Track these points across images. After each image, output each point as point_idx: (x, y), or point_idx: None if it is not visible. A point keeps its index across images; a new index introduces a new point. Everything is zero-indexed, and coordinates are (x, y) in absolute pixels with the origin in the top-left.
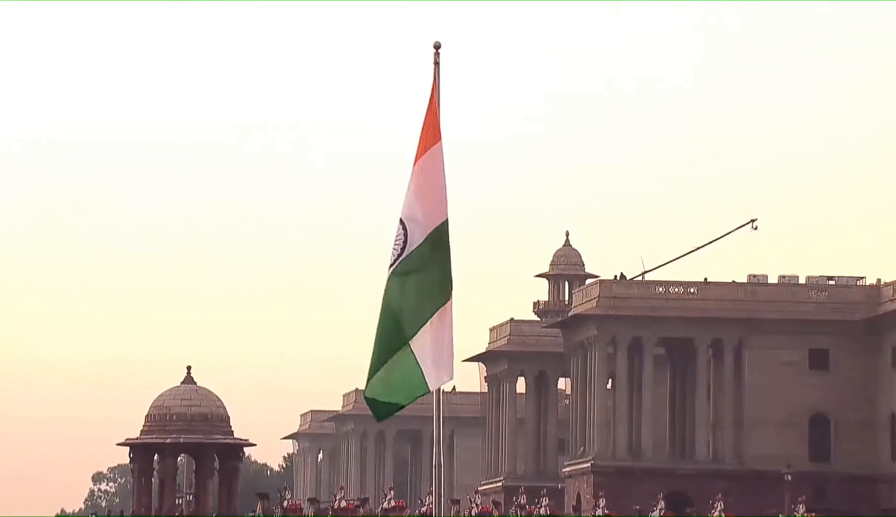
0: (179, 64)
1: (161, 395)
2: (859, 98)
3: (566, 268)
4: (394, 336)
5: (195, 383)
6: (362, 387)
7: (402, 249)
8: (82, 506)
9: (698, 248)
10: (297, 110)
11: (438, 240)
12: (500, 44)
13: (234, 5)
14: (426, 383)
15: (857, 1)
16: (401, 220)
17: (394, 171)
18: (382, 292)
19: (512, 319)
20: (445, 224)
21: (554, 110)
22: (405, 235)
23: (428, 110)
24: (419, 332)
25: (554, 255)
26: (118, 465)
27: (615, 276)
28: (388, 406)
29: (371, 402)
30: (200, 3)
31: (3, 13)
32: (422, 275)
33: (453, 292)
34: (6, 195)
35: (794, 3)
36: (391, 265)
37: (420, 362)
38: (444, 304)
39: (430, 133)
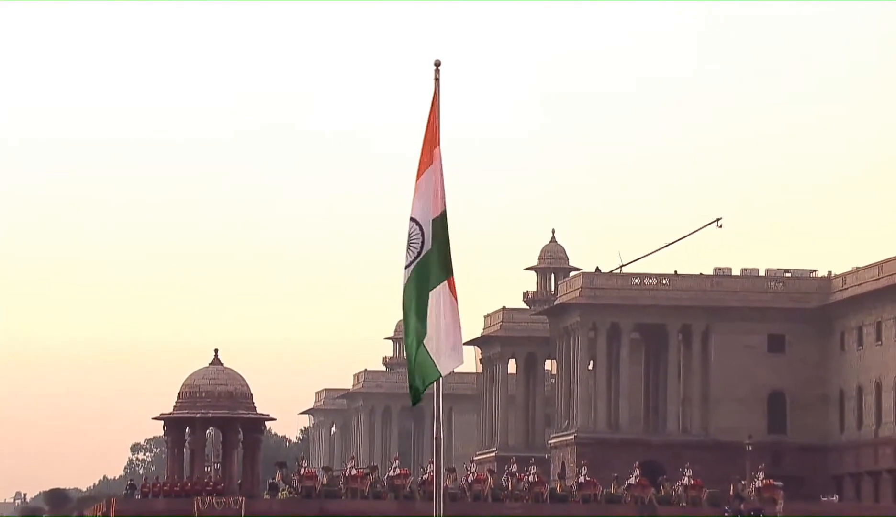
0: (208, 74)
1: (191, 375)
2: (814, 114)
3: (552, 262)
4: (414, 332)
5: (222, 364)
6: (371, 368)
7: (420, 249)
8: (122, 474)
9: (670, 244)
10: (310, 115)
11: (439, 228)
12: (491, 59)
13: (249, 15)
14: (438, 369)
15: (819, 2)
16: (415, 220)
17: (396, 172)
18: (403, 290)
19: (504, 308)
20: (444, 214)
21: (543, 120)
22: (422, 236)
23: (429, 120)
24: (428, 322)
25: (541, 251)
26: (154, 437)
27: (599, 268)
28: (416, 390)
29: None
30: (222, 12)
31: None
32: (424, 260)
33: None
34: (43, 190)
35: (766, 11)
36: (410, 263)
37: (431, 352)
38: (444, 280)
39: (430, 139)
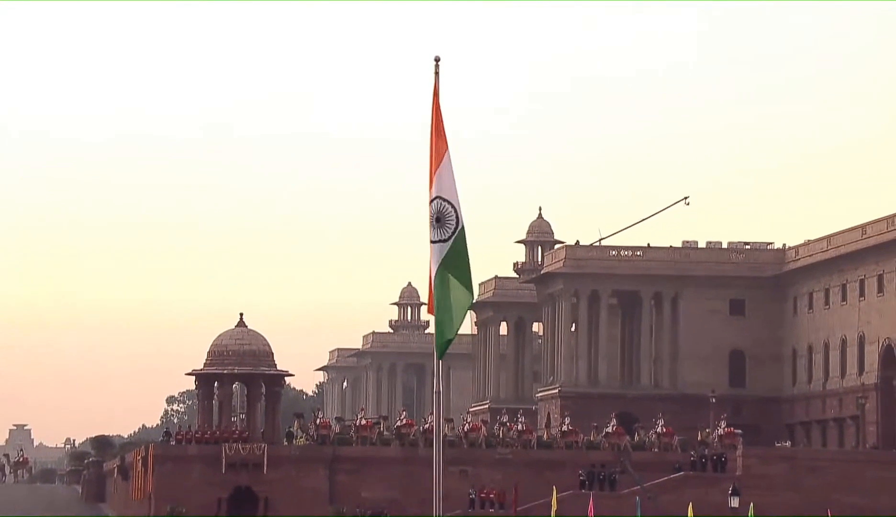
0: (232, 79)
1: (220, 336)
2: (773, 106)
3: (539, 236)
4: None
5: (246, 326)
6: (378, 330)
7: (456, 226)
8: (159, 423)
9: (643, 220)
10: (321, 105)
11: (464, 242)
12: (486, 54)
13: (269, 22)
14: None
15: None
16: (444, 199)
17: (400, 156)
18: (443, 260)
19: (496, 276)
20: (463, 229)
21: (531, 112)
22: (456, 214)
23: (433, 113)
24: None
25: (530, 226)
26: (187, 391)
27: (581, 241)
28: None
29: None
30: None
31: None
32: (461, 266)
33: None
34: (84, 170)
35: (735, 8)
36: (449, 237)
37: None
38: (470, 303)
39: (437, 131)
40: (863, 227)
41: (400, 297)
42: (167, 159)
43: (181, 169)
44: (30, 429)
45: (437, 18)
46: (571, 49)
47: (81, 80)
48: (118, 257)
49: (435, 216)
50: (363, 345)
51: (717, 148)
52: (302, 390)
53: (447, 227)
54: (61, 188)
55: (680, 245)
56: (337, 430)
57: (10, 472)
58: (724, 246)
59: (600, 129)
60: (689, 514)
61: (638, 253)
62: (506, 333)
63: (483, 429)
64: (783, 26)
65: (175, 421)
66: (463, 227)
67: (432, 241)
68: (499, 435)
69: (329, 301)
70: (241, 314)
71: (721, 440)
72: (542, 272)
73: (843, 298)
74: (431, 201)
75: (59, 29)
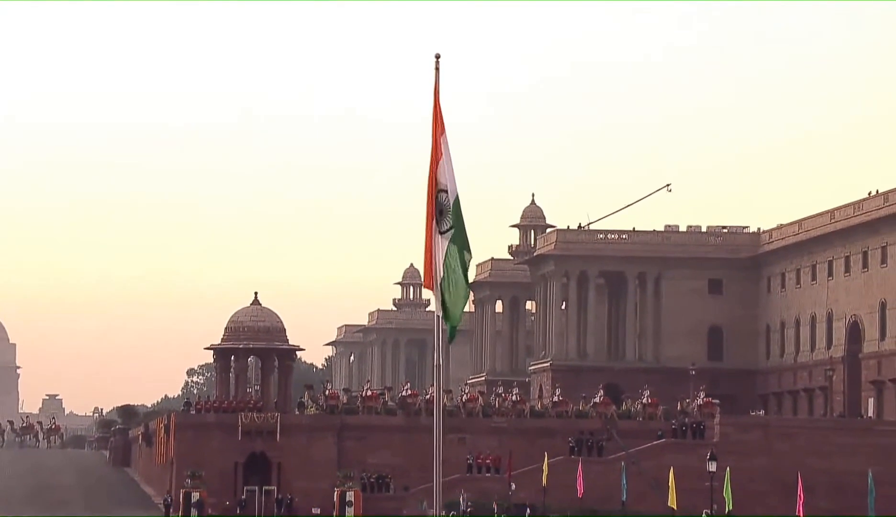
0: (254, 65)
1: (236, 313)
2: (751, 96)
3: (532, 221)
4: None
5: (260, 304)
6: (383, 308)
7: (444, 211)
8: (180, 393)
9: (628, 205)
10: (331, 97)
11: (458, 211)
12: (482, 51)
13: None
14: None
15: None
16: (445, 191)
17: (402, 143)
18: (446, 252)
19: (493, 258)
20: (458, 200)
21: (525, 108)
22: (448, 199)
23: (434, 107)
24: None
25: (523, 211)
26: (205, 364)
27: (578, 225)
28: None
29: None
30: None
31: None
32: (457, 236)
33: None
34: (107, 147)
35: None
36: (447, 228)
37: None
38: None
39: (438, 125)
40: (831, 212)
41: (403, 277)
42: (187, 146)
43: (201, 156)
44: (61, 399)
45: (437, 10)
46: (560, 46)
47: (119, 73)
48: (144, 241)
49: (439, 209)
50: (369, 322)
51: (698, 138)
52: (312, 363)
53: (447, 219)
54: (87, 174)
55: (662, 229)
56: (344, 401)
57: (44, 438)
58: (704, 229)
59: (589, 122)
60: (670, 478)
61: (623, 236)
62: (501, 311)
63: (480, 399)
64: (762, 20)
65: (195, 391)
66: (456, 201)
67: (440, 232)
68: (495, 405)
69: (337, 281)
70: (256, 293)
71: (700, 409)
72: (534, 254)
73: (813, 278)
74: (437, 194)
75: (78, 24)
